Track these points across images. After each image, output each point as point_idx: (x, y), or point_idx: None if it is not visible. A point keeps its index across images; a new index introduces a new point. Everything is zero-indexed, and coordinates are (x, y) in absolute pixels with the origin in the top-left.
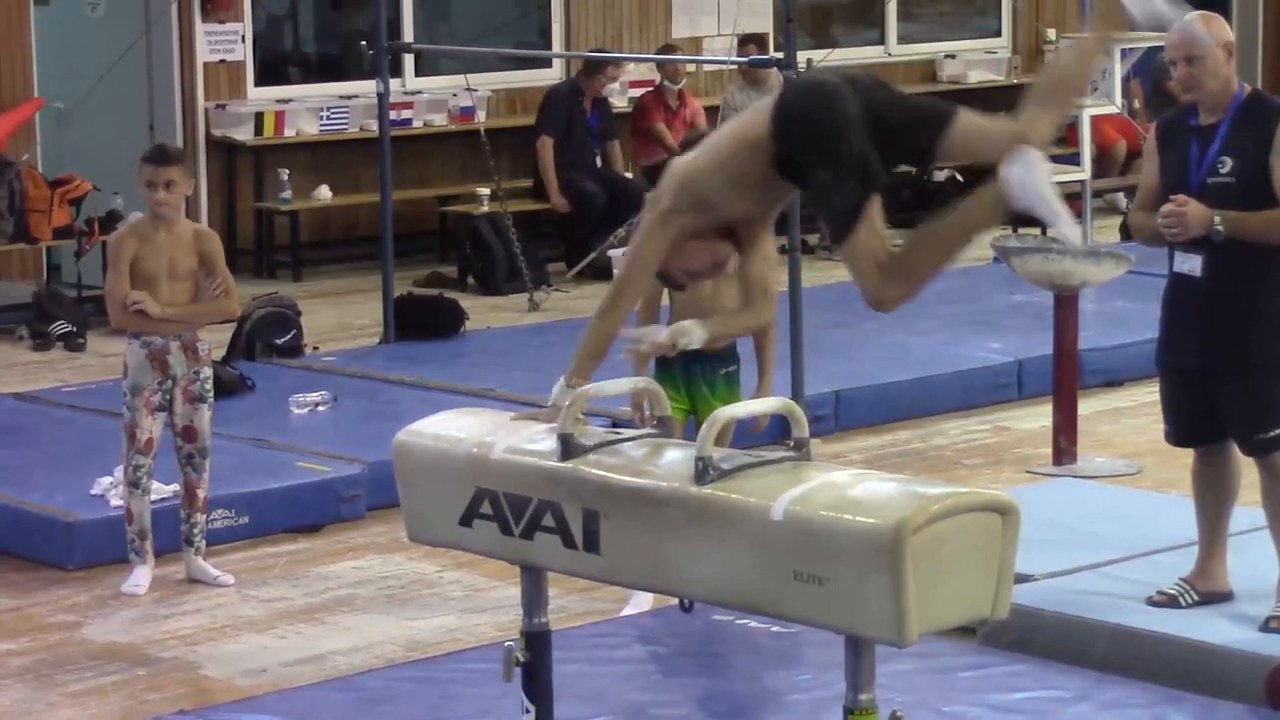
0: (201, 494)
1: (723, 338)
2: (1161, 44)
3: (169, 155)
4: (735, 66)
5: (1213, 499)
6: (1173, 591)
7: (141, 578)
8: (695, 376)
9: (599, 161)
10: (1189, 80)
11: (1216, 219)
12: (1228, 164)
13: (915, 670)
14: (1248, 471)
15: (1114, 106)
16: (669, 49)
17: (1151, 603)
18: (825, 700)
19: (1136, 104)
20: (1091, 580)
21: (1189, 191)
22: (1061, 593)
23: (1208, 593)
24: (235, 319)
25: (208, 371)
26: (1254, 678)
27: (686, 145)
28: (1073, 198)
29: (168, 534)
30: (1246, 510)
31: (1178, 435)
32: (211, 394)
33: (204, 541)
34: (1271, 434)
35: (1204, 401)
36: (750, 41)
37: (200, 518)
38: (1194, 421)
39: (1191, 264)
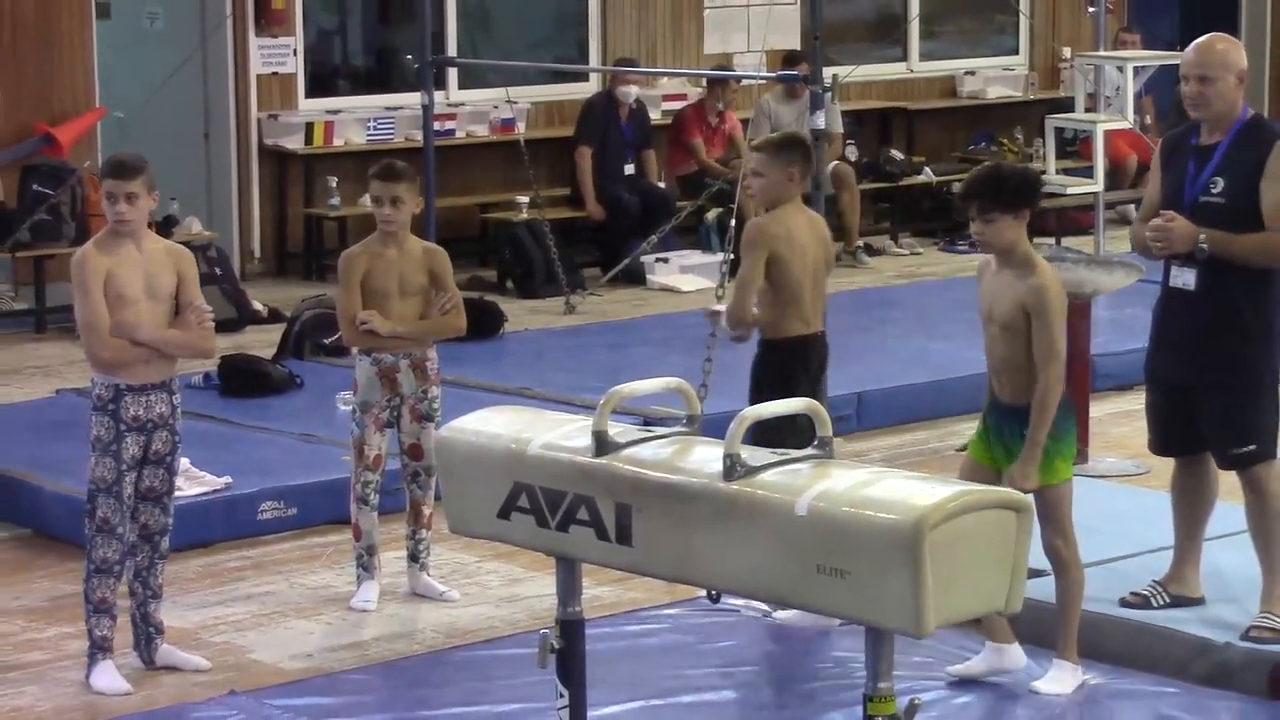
0: (427, 511)
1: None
2: (1175, 63)
3: (397, 171)
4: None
5: (1189, 508)
6: (1145, 593)
7: (370, 593)
8: (1004, 434)
9: (633, 170)
10: (1198, 98)
11: (1201, 237)
12: (1219, 184)
13: (932, 660)
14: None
15: (1126, 122)
16: (721, 68)
17: (1124, 603)
18: (849, 688)
19: (1148, 119)
20: (1102, 575)
21: (1182, 208)
22: None
23: (1179, 596)
24: (463, 335)
25: (436, 390)
26: (1257, 671)
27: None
28: (1086, 209)
29: (220, 523)
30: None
31: (1161, 445)
32: (439, 413)
33: (429, 556)
34: (1247, 449)
35: (1187, 414)
36: (798, 59)
37: (425, 534)
38: (1177, 432)
39: (1185, 278)
